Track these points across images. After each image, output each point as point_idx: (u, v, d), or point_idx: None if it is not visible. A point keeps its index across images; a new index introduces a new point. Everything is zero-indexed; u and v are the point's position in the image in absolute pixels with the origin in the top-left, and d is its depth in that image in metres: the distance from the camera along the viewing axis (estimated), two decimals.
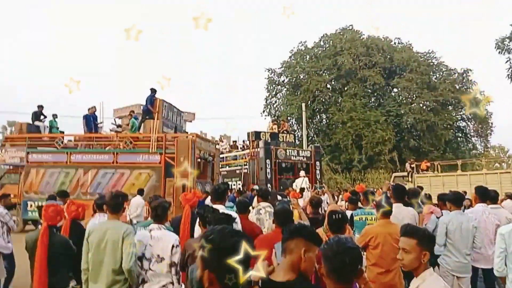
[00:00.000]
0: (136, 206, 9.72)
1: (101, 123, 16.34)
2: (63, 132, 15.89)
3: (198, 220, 3.97)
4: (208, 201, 8.61)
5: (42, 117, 15.84)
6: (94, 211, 5.37)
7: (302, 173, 15.79)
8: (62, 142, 14.42)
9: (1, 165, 15.43)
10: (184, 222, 4.54)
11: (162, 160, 13.07)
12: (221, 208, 4.40)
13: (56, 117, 16.37)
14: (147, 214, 8.95)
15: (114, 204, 3.81)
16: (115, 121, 18.51)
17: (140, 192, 10.40)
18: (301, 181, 15.13)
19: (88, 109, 15.28)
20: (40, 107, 15.80)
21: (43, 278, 3.64)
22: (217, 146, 18.61)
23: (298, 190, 14.33)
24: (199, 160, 14.00)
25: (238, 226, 4.26)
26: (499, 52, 28.96)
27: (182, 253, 3.57)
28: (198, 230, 4.15)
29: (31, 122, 15.52)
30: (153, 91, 14.59)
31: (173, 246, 3.53)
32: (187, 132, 16.57)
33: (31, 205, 13.27)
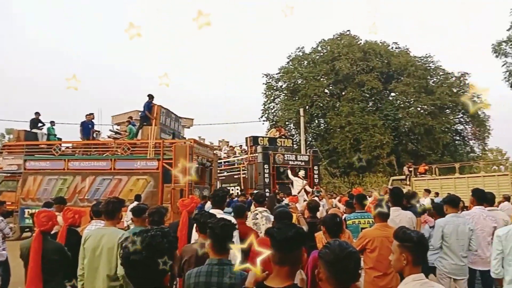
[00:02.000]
0: None
1: (97, 131, 16.32)
2: (60, 139, 15.89)
3: (195, 225, 3.96)
4: (208, 206, 8.62)
5: (40, 124, 15.82)
6: (91, 217, 5.33)
7: (301, 173, 15.66)
8: (59, 149, 14.43)
9: None
10: (181, 228, 4.55)
11: (159, 166, 13.06)
12: (219, 213, 4.40)
13: (54, 124, 16.39)
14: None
15: (110, 210, 3.81)
16: (113, 128, 18.50)
17: (138, 198, 10.37)
18: (302, 183, 15.00)
19: (86, 116, 15.28)
20: (38, 114, 15.78)
21: (37, 285, 3.56)
22: (215, 152, 18.58)
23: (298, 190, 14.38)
24: (197, 165, 13.99)
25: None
26: (496, 56, 29.31)
27: (179, 259, 3.54)
28: (195, 236, 4.14)
29: (29, 129, 15.52)
30: (151, 97, 14.54)
31: None
32: (185, 138, 16.57)
33: (28, 212, 13.23)
